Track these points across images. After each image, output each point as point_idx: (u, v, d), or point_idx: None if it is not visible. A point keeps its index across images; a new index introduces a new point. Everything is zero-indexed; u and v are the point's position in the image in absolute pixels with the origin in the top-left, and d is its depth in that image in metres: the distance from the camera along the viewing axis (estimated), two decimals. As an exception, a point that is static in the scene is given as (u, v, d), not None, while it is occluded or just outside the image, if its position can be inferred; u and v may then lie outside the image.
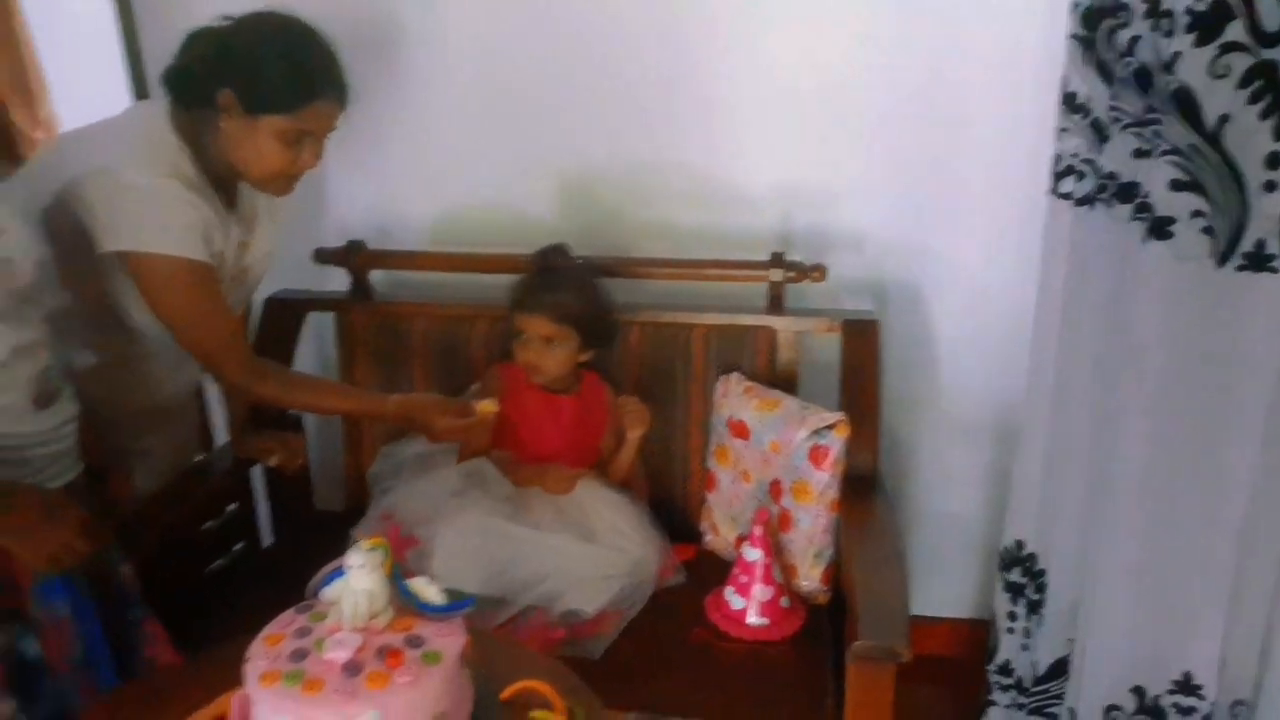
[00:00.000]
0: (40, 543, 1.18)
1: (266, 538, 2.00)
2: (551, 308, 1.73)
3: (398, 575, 1.11)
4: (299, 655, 1.04)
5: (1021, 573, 1.74)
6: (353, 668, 1.02)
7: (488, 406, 1.62)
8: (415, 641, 1.06)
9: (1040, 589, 1.70)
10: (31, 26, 2.28)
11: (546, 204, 2.02)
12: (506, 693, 1.13)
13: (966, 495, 2.12)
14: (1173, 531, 1.40)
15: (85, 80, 2.08)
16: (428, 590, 1.12)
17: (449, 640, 1.08)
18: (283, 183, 1.56)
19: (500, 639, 1.43)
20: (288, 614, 1.11)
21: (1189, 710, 1.46)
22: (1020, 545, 1.74)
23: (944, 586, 2.18)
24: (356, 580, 1.07)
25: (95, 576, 1.35)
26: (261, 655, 1.04)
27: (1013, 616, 1.78)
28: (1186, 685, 1.45)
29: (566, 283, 1.77)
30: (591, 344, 1.80)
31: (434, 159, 2.03)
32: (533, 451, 1.81)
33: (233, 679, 1.05)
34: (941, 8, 1.80)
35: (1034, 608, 1.73)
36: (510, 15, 1.91)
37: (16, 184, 1.49)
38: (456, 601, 1.14)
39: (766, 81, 1.89)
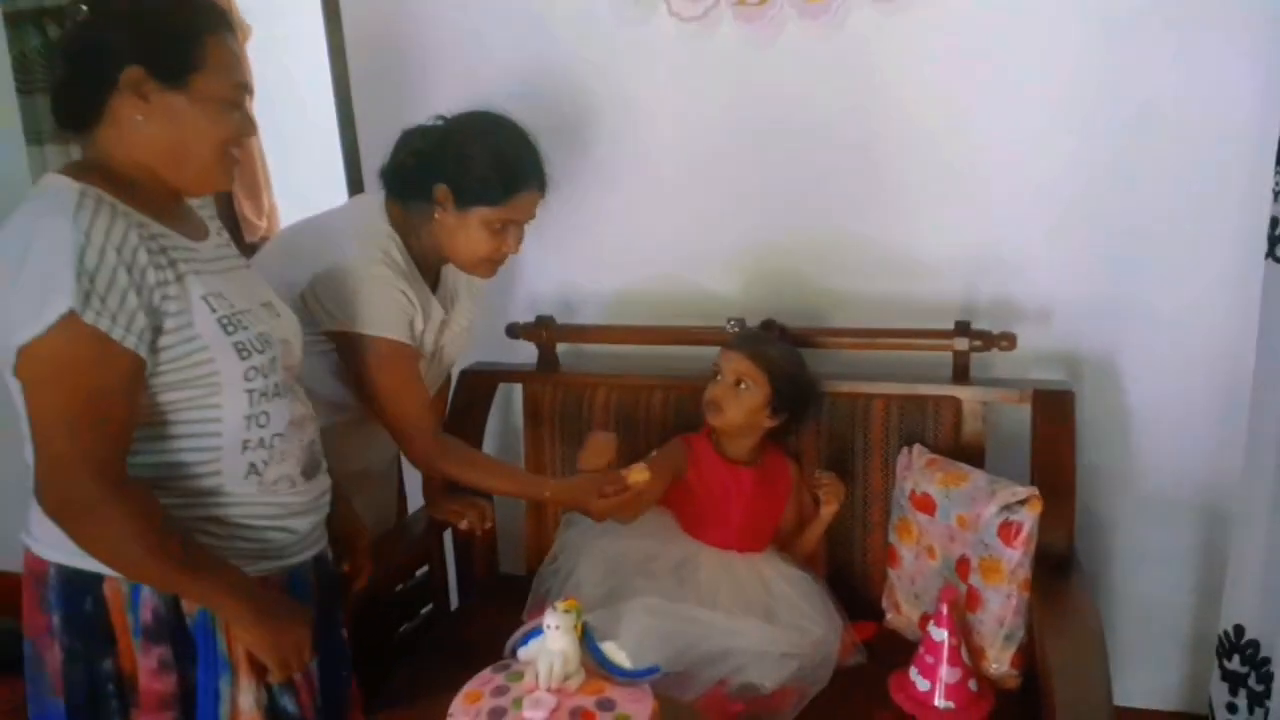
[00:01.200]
0: (278, 649, 1.24)
1: (453, 601, 2.07)
2: (753, 348, 1.79)
3: (590, 637, 1.14)
4: (497, 713, 1.08)
5: (1242, 661, 1.61)
6: (548, 727, 1.05)
7: (638, 475, 1.63)
8: (606, 705, 1.09)
9: (1265, 679, 1.57)
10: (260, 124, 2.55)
11: (727, 278, 2.06)
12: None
13: (1170, 578, 1.98)
14: None
15: (305, 174, 2.29)
16: (618, 654, 1.14)
17: (638, 706, 1.10)
18: (489, 266, 1.69)
19: (685, 708, 1.43)
20: (486, 672, 1.16)
21: None
22: (1240, 631, 1.62)
23: (1146, 676, 2.03)
24: (552, 641, 1.11)
25: (319, 635, 1.40)
26: (462, 712, 1.09)
27: (1232, 709, 1.64)
28: None
29: (776, 340, 1.85)
30: (781, 407, 1.80)
31: (617, 236, 2.12)
32: (710, 526, 1.81)
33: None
34: (1141, 69, 1.76)
35: (1258, 699, 1.59)
36: (694, 100, 1.99)
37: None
38: (644, 668, 1.16)
39: (950, 150, 1.88)
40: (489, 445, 2.10)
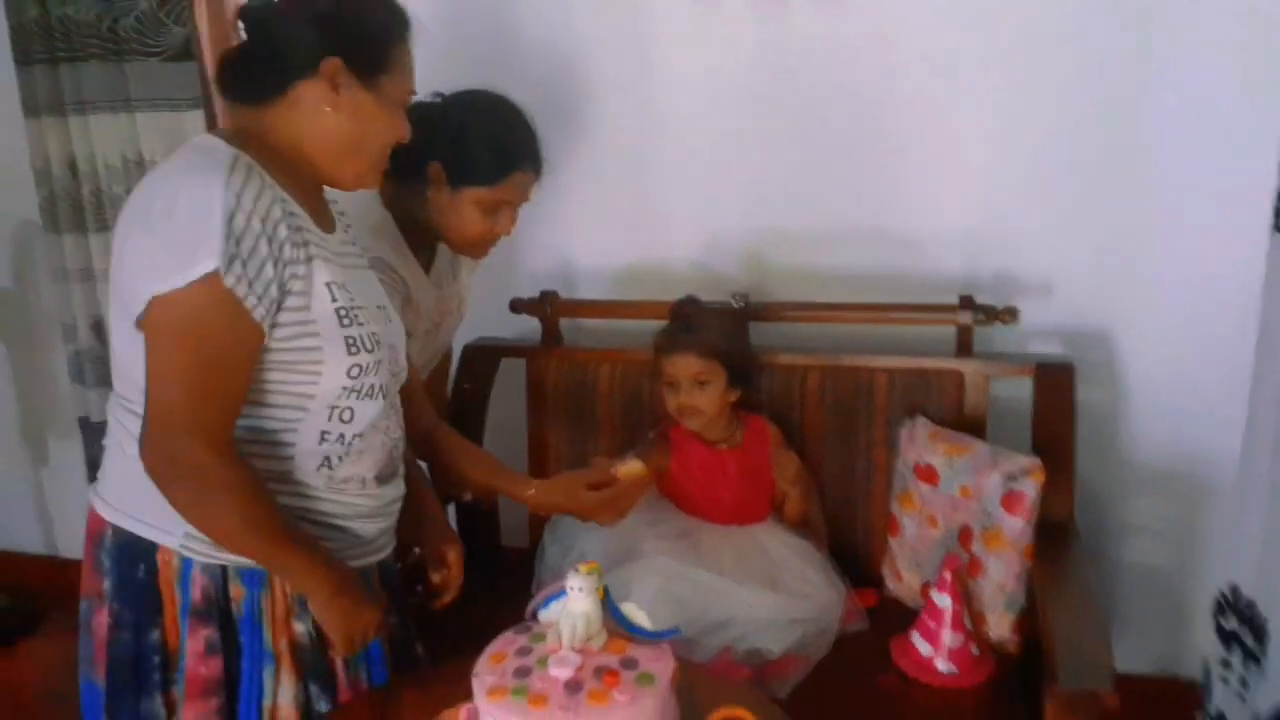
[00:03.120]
0: (347, 626, 1.24)
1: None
2: (697, 344, 1.78)
3: (610, 599, 1.16)
4: (523, 672, 1.09)
5: (1238, 620, 1.64)
6: (574, 685, 1.07)
7: (629, 470, 1.60)
8: (630, 663, 1.10)
9: (1260, 637, 1.60)
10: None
11: (731, 252, 2.07)
12: (714, 717, 1.15)
13: (1163, 548, 2.01)
14: None
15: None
16: (639, 615, 1.16)
17: (660, 664, 1.11)
18: (480, 248, 1.69)
19: (702, 671, 1.45)
20: (509, 633, 1.17)
21: None
22: (1236, 591, 1.65)
23: (1135, 641, 2.06)
24: (575, 603, 1.12)
25: (395, 649, 1.41)
26: (488, 671, 1.10)
27: (1226, 664, 1.67)
28: None
29: (705, 322, 1.83)
30: (737, 381, 1.81)
31: (619, 212, 2.12)
32: (704, 508, 1.84)
33: (443, 697, 1.14)
34: (1145, 44, 1.77)
35: (1251, 656, 1.62)
36: (699, 77, 2.00)
37: None
38: (664, 629, 1.18)
39: (953, 126, 1.90)
40: (491, 420, 2.11)
